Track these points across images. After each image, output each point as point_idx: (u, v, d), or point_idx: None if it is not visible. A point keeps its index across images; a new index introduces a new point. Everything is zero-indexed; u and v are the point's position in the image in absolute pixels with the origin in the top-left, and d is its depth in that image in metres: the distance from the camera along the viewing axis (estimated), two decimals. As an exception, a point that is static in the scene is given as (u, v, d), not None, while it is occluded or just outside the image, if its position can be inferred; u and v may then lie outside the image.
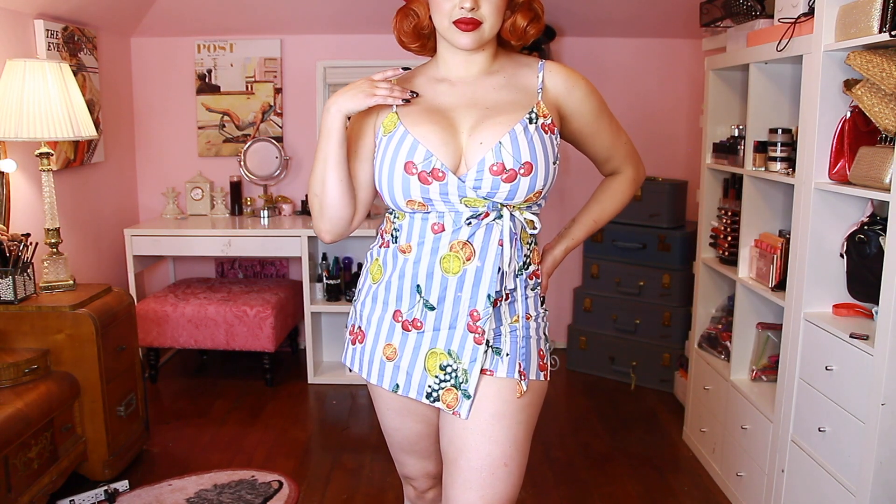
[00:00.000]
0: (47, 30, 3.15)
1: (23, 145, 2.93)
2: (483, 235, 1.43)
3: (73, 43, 3.38)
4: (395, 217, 1.52)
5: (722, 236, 2.92)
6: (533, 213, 1.50)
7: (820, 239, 2.15)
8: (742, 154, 2.69)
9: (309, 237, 3.72)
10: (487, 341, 1.45)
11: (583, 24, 4.00)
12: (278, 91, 4.16)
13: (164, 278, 4.31)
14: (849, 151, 2.04)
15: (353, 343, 1.59)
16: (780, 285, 2.42)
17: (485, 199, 1.42)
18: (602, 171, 1.69)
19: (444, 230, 1.44)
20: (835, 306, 2.17)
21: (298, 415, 3.52)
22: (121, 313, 2.83)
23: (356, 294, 1.62)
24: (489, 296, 1.43)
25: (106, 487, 2.67)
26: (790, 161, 2.40)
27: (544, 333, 1.55)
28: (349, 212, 1.52)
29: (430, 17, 1.47)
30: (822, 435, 2.07)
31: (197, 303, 3.73)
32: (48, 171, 2.75)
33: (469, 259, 1.43)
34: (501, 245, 1.43)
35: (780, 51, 2.32)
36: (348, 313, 1.68)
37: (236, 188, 4.14)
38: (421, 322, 1.48)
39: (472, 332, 1.45)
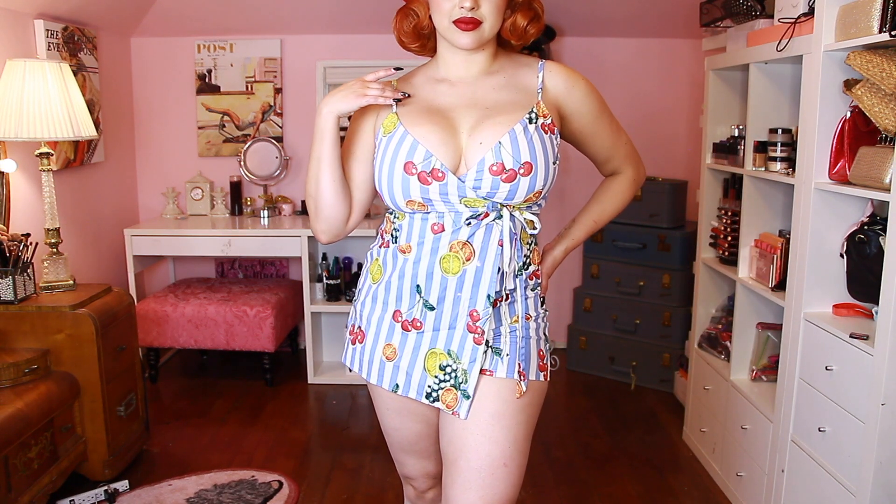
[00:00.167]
0: (47, 30, 3.15)
1: (23, 145, 2.93)
2: (483, 235, 1.43)
3: (73, 43, 3.38)
4: (394, 217, 1.52)
5: (722, 236, 2.92)
6: (533, 214, 1.50)
7: (820, 239, 2.15)
8: (742, 154, 2.69)
9: (309, 237, 3.72)
10: (487, 341, 1.45)
11: (583, 24, 4.00)
12: (278, 91, 4.16)
13: (164, 278, 4.31)
14: (849, 151, 2.04)
15: (353, 343, 1.59)
16: (780, 285, 2.42)
17: (484, 199, 1.42)
18: (602, 172, 1.69)
19: (443, 230, 1.44)
20: (835, 306, 2.17)
21: (298, 415, 3.52)
22: (121, 313, 2.83)
23: (356, 294, 1.62)
24: (489, 296, 1.43)
25: (106, 487, 2.67)
26: (790, 161, 2.40)
27: (544, 334, 1.55)
28: (344, 212, 1.52)
29: (429, 17, 1.47)
30: (822, 435, 2.07)
31: (197, 303, 3.74)
32: (48, 171, 2.75)
33: (469, 259, 1.43)
34: (501, 245, 1.43)
35: (780, 51, 2.32)
36: (348, 313, 1.68)
37: (236, 188, 4.14)
38: (421, 322, 1.48)
39: (471, 333, 1.45)
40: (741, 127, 2.77)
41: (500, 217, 1.44)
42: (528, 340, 1.49)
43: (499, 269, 1.44)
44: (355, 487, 2.82)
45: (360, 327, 1.57)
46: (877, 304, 1.89)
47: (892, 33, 1.75)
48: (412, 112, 1.47)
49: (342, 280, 3.89)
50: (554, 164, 1.45)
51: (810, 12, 2.18)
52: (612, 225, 3.70)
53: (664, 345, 3.76)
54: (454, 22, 1.40)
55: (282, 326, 3.82)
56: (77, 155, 3.45)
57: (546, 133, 1.44)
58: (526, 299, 1.51)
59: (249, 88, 4.16)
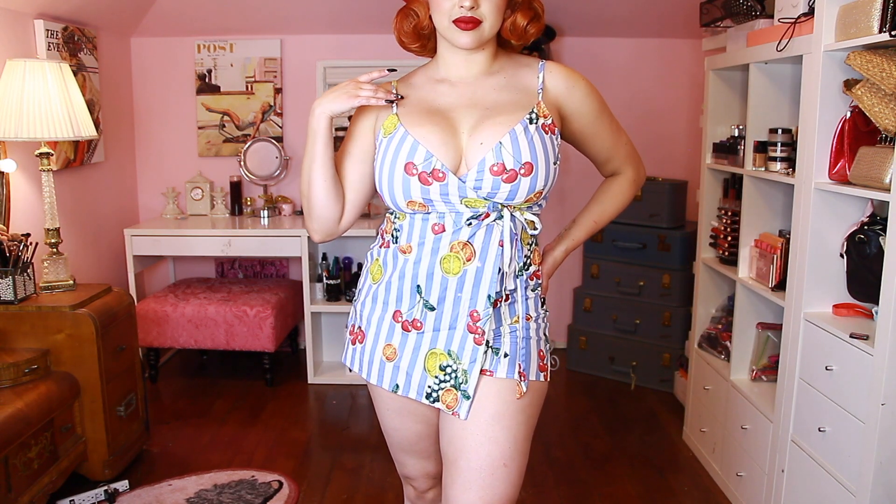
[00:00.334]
0: (47, 30, 3.15)
1: (23, 145, 2.93)
2: (483, 236, 1.43)
3: (73, 43, 3.38)
4: (395, 217, 1.52)
5: (722, 236, 2.92)
6: (533, 214, 1.50)
7: (820, 239, 2.15)
8: (742, 154, 2.69)
9: (309, 237, 3.72)
10: (487, 342, 1.45)
11: (582, 24, 4.00)
12: (278, 91, 4.16)
13: (164, 278, 4.31)
14: (849, 151, 2.04)
15: (353, 343, 1.59)
16: (780, 285, 2.42)
17: (485, 199, 1.42)
18: (602, 172, 1.69)
19: (444, 231, 1.44)
20: (835, 306, 2.17)
21: (298, 415, 3.52)
22: (121, 313, 2.83)
23: (356, 294, 1.62)
24: (489, 296, 1.43)
25: (106, 487, 2.67)
26: (790, 161, 2.40)
27: (544, 334, 1.55)
28: (336, 212, 1.52)
29: (430, 18, 1.47)
30: (822, 435, 2.07)
31: (197, 303, 3.74)
32: (48, 171, 2.75)
33: (469, 259, 1.43)
34: (502, 245, 1.43)
35: (780, 51, 2.32)
36: (348, 313, 1.68)
37: (236, 188, 4.14)
38: (421, 322, 1.48)
39: (472, 333, 1.45)
40: (741, 127, 2.77)
41: (501, 217, 1.44)
42: (528, 341, 1.49)
43: (499, 269, 1.44)
44: (355, 487, 2.82)
45: (360, 327, 1.57)
46: (877, 304, 1.89)
47: (892, 33, 1.75)
48: (412, 113, 1.47)
49: (342, 280, 3.89)
50: (555, 164, 1.45)
51: (810, 12, 2.18)
52: (612, 225, 3.70)
53: (664, 345, 3.76)
54: (454, 21, 1.40)
55: (282, 326, 3.82)
56: (77, 155, 3.45)
57: (546, 133, 1.44)
58: (526, 300, 1.51)
59: (249, 88, 4.16)
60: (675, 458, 3.08)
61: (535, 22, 1.50)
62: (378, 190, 1.50)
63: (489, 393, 1.45)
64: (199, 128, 4.19)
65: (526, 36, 1.51)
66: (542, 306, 1.56)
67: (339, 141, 1.81)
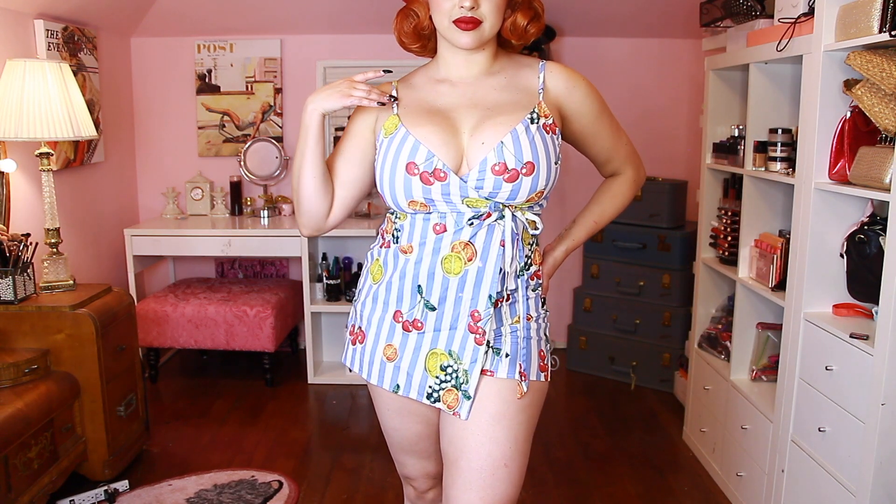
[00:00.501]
0: (47, 30, 3.15)
1: (23, 145, 2.93)
2: (485, 236, 1.43)
3: (73, 43, 3.38)
4: (396, 217, 1.52)
5: (722, 236, 2.92)
6: (535, 214, 1.50)
7: (820, 239, 2.16)
8: (742, 154, 2.69)
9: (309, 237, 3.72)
10: (488, 342, 1.45)
11: (582, 23, 4.00)
12: (278, 91, 4.16)
13: (164, 278, 4.31)
14: (849, 151, 2.04)
15: (354, 343, 1.59)
16: (780, 285, 2.42)
17: (487, 199, 1.42)
18: (602, 173, 1.69)
19: (445, 230, 1.44)
20: (835, 306, 2.17)
21: (298, 415, 3.52)
22: (121, 313, 2.83)
23: (356, 294, 1.62)
24: (490, 296, 1.43)
25: (106, 487, 2.67)
26: (790, 161, 2.40)
27: (545, 334, 1.55)
28: (324, 208, 1.52)
29: (430, 18, 1.48)
30: (822, 435, 2.07)
31: (197, 303, 3.74)
32: (48, 171, 2.75)
33: (471, 259, 1.43)
34: (503, 245, 1.43)
35: (780, 51, 2.32)
36: (348, 313, 1.68)
37: (236, 188, 4.14)
38: (421, 322, 1.48)
39: (472, 333, 1.45)
40: (741, 127, 2.77)
41: (503, 217, 1.44)
42: (528, 341, 1.49)
43: (500, 269, 1.44)
44: (355, 487, 2.82)
45: (360, 328, 1.57)
46: (877, 304, 1.89)
47: (892, 33, 1.76)
48: (413, 113, 1.47)
49: (342, 280, 3.89)
50: (556, 163, 1.45)
51: (810, 12, 2.18)
52: (612, 225, 3.70)
53: (664, 345, 3.76)
54: (454, 22, 1.40)
55: (282, 326, 3.82)
56: (77, 155, 3.45)
57: (547, 133, 1.44)
58: (527, 300, 1.51)
59: (249, 88, 4.16)
60: (675, 458, 3.08)
61: (536, 22, 1.50)
62: (379, 190, 1.50)
63: (490, 393, 1.45)
64: (199, 128, 4.19)
65: (526, 36, 1.51)
66: (543, 306, 1.56)
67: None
